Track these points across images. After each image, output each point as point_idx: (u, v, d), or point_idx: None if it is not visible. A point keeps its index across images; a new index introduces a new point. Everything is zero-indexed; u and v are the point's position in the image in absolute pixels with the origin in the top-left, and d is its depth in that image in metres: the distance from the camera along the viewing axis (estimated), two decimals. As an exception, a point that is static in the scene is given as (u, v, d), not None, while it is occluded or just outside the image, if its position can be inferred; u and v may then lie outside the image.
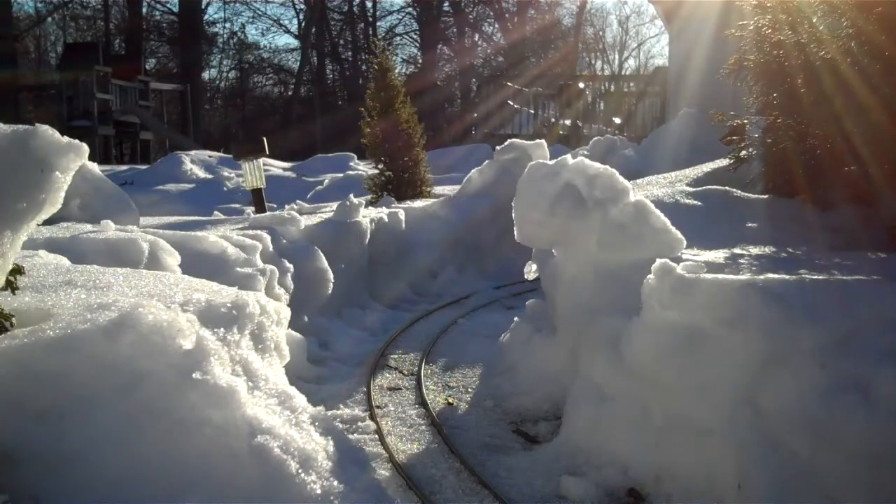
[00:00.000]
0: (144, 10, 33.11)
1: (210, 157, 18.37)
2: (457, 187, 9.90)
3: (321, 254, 5.82)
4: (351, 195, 7.15)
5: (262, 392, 2.91)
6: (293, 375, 3.94)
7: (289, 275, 5.22)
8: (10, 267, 2.57)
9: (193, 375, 2.52)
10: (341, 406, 4.10)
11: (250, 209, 9.94)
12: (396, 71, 10.89)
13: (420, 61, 36.90)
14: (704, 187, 5.54)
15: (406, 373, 4.86)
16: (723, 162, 6.25)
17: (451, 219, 8.37)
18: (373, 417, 3.91)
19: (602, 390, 3.47)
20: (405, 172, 10.14)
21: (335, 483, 2.72)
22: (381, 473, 3.26)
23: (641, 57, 44.64)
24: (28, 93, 24.80)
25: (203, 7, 34.06)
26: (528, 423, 3.97)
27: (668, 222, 3.82)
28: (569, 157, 4.20)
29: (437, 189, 10.92)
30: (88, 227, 5.08)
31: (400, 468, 3.31)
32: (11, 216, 2.39)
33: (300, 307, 5.21)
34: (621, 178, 4.05)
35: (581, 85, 23.81)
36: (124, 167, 19.67)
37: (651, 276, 3.22)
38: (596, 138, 12.19)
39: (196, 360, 2.57)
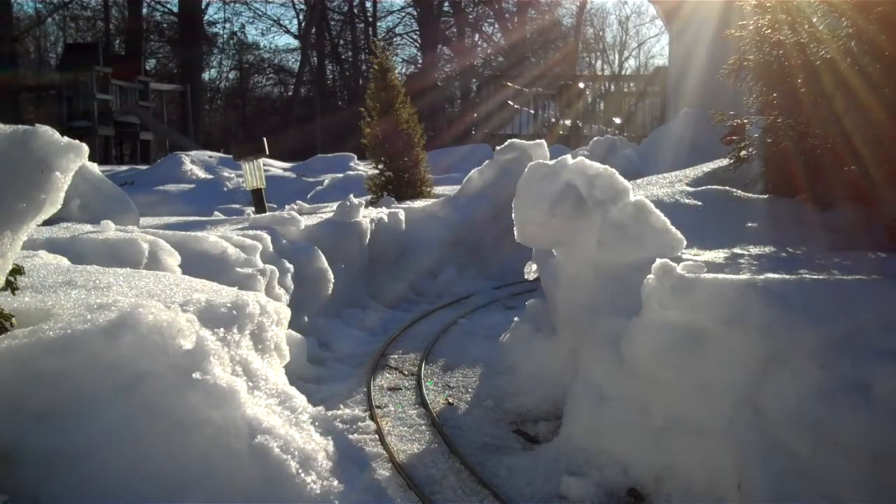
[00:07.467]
0: (144, 10, 33.15)
1: (210, 157, 18.37)
2: (457, 187, 9.90)
3: (321, 254, 5.82)
4: (351, 195, 7.15)
5: (262, 392, 2.91)
6: (293, 375, 3.94)
7: (289, 275, 5.22)
8: (10, 267, 2.57)
9: (193, 375, 2.52)
10: (341, 406, 4.10)
11: (250, 209, 9.94)
12: (396, 71, 10.90)
13: (420, 61, 36.93)
14: (704, 187, 5.54)
15: (406, 373, 4.86)
16: (723, 162, 6.25)
17: (451, 219, 8.37)
18: (373, 417, 3.91)
19: (602, 390, 3.47)
20: (405, 172, 10.14)
21: (335, 483, 2.72)
22: (381, 473, 3.26)
23: (641, 57, 44.75)
24: (28, 93, 24.83)
25: (203, 7, 34.09)
26: (528, 423, 3.97)
27: (668, 222, 3.81)
28: (569, 157, 4.19)
29: (438, 189, 10.92)
30: (88, 227, 5.08)
31: (400, 468, 3.31)
32: (11, 216, 2.39)
33: (300, 307, 5.21)
34: (621, 178, 4.05)
35: (581, 85, 23.82)
36: (124, 167, 19.67)
37: (651, 276, 3.22)
38: (596, 138, 12.17)
39: (196, 360, 2.57)
